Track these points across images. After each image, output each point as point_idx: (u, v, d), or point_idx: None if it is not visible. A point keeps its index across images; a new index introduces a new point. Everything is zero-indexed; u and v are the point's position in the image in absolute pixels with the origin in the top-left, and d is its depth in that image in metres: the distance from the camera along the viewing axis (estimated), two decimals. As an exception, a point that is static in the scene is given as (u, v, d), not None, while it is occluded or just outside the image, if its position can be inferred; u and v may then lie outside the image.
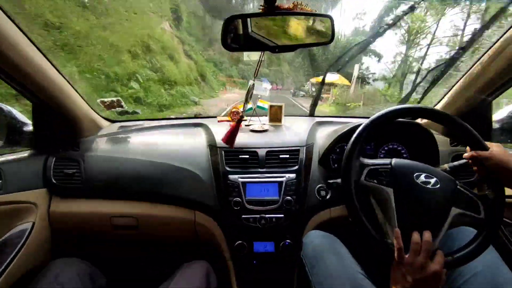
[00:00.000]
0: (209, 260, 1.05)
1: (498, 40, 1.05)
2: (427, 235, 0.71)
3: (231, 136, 1.12)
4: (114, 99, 1.40)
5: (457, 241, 0.87)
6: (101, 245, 1.34)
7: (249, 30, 0.88)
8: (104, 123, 1.47)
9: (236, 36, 0.87)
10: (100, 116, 1.45)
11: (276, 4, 0.84)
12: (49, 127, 1.20)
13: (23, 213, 1.09)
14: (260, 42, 0.90)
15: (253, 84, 1.20)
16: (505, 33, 1.02)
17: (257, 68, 1.08)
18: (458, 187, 0.80)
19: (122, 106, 1.43)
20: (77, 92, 1.24)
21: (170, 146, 1.27)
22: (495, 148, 0.77)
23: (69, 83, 1.18)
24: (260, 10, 0.85)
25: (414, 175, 0.81)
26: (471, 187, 1.21)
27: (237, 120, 1.13)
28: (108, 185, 1.18)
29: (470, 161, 0.82)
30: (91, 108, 1.36)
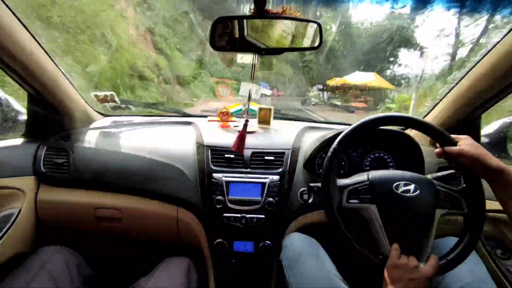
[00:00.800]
0: (189, 256, 1.05)
1: (488, 52, 1.06)
2: None
3: (240, 143, 1.10)
4: (108, 93, 1.42)
5: (445, 250, 0.88)
6: (85, 236, 1.35)
7: (237, 31, 0.89)
8: (97, 116, 1.49)
9: (224, 37, 0.89)
10: (94, 109, 1.47)
11: (266, 8, 0.86)
12: (42, 117, 1.22)
13: (10, 198, 1.11)
14: (247, 44, 0.91)
15: (251, 87, 1.21)
16: (494, 46, 1.03)
17: (253, 70, 1.08)
18: (436, 187, 0.80)
19: (115, 101, 1.45)
20: (72, 85, 1.26)
21: (159, 142, 1.29)
22: (465, 142, 0.77)
23: (65, 76, 1.21)
24: (250, 13, 0.87)
25: (394, 185, 0.81)
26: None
27: (243, 125, 1.10)
28: (95, 177, 1.19)
29: (443, 157, 0.82)
30: (85, 101, 1.38)
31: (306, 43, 0.96)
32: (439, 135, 0.81)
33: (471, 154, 0.73)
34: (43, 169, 1.18)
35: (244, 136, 1.08)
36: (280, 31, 0.94)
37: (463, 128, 1.22)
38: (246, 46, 0.92)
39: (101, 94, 1.42)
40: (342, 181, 0.84)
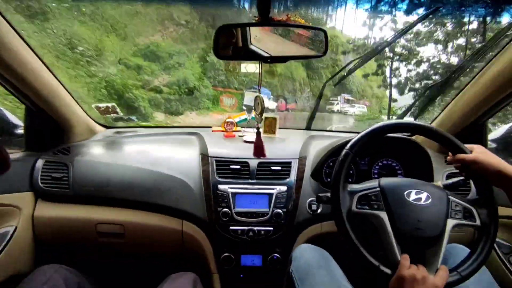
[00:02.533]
0: (195, 271, 1.02)
1: (493, 58, 1.05)
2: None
3: (257, 148, 1.10)
4: (109, 105, 1.40)
5: (451, 258, 0.85)
6: (85, 253, 1.31)
7: (241, 40, 0.88)
8: (99, 128, 1.47)
9: (228, 46, 0.88)
10: (95, 121, 1.45)
11: (270, 15, 0.85)
12: (41, 129, 1.20)
13: (5, 216, 1.07)
14: (252, 52, 0.90)
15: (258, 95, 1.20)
16: (499, 52, 1.03)
17: (260, 79, 1.07)
18: (449, 197, 0.78)
19: (117, 113, 1.44)
20: (72, 96, 1.24)
21: (162, 154, 1.26)
22: (477, 150, 0.76)
23: (64, 87, 1.19)
24: (254, 21, 0.86)
25: (405, 193, 0.78)
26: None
27: (256, 132, 1.12)
28: (96, 191, 1.16)
29: (455, 165, 0.81)
30: (86, 113, 1.36)
31: (312, 51, 0.95)
32: (452, 143, 0.79)
33: (486, 162, 0.72)
34: (40, 184, 1.14)
35: (260, 141, 1.09)
36: (285, 39, 0.93)
37: (469, 134, 1.21)
38: (251, 54, 0.91)
39: (103, 105, 1.40)
40: (352, 186, 0.82)
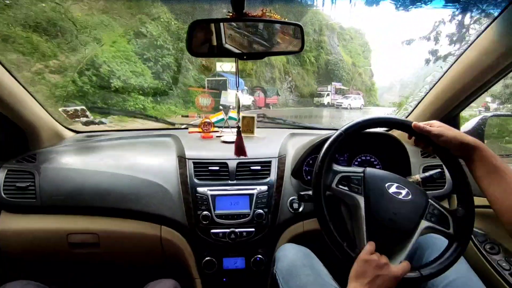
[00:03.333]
0: (176, 278, 0.97)
1: (463, 53, 1.08)
2: None
3: (238, 148, 1.07)
4: (78, 108, 1.32)
5: (427, 249, 0.87)
6: (56, 266, 1.23)
7: (216, 36, 0.85)
8: (67, 133, 1.38)
9: (203, 42, 0.84)
10: (63, 126, 1.36)
11: (244, 11, 0.83)
12: (2, 136, 1.11)
13: None
14: (228, 49, 0.87)
15: (236, 94, 1.17)
16: (469, 46, 1.06)
17: (237, 76, 1.05)
18: (429, 200, 0.79)
19: (87, 116, 1.36)
20: (36, 99, 1.16)
21: (137, 158, 1.21)
22: (437, 124, 0.76)
23: (27, 90, 1.11)
24: (228, 16, 0.83)
25: (386, 185, 0.79)
26: (440, 199, 1.23)
27: (237, 131, 1.09)
28: (67, 200, 1.09)
29: (414, 138, 0.81)
30: (52, 117, 1.27)
31: (288, 46, 0.93)
32: (404, 124, 0.81)
33: (447, 133, 0.73)
34: (3, 195, 1.06)
35: (241, 140, 1.07)
36: (261, 35, 0.91)
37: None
38: (226, 51, 0.88)
39: (71, 109, 1.32)
40: (338, 167, 0.83)
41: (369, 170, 0.83)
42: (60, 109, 1.33)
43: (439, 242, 0.88)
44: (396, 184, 0.80)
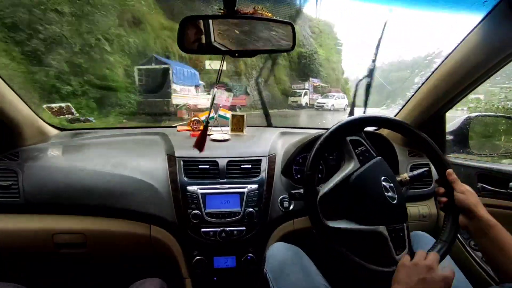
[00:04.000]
0: (166, 277, 0.96)
1: (449, 55, 1.10)
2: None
3: (200, 140, 1.04)
4: (63, 105, 1.29)
5: (415, 244, 0.88)
6: (40, 268, 1.19)
7: (208, 32, 0.84)
8: (52, 131, 1.34)
9: (194, 38, 0.83)
10: (47, 123, 1.32)
11: (236, 8, 0.82)
12: None
13: None
14: (219, 46, 0.86)
15: (215, 92, 1.16)
16: (455, 48, 1.08)
17: (219, 74, 1.03)
18: (405, 223, 0.80)
19: (72, 113, 1.32)
20: (18, 96, 1.12)
21: (125, 156, 1.18)
22: (468, 188, 0.76)
23: (8, 85, 1.06)
24: (219, 13, 0.82)
25: (383, 178, 0.82)
26: (427, 197, 1.26)
27: (204, 126, 1.06)
28: (52, 199, 1.06)
29: (438, 189, 0.81)
30: (36, 114, 1.23)
31: (279, 45, 0.93)
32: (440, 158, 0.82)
33: (472, 198, 0.73)
34: None
35: (205, 133, 1.04)
36: (252, 32, 0.90)
37: (431, 126, 1.27)
38: (217, 48, 0.87)
39: (56, 106, 1.28)
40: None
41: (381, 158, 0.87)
42: (44, 106, 1.28)
43: (426, 240, 0.92)
44: (391, 185, 0.82)
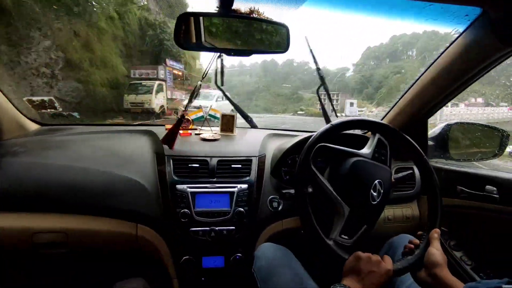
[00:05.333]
0: (153, 278, 0.94)
1: (434, 62, 1.15)
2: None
3: (170, 136, 1.07)
4: (46, 98, 1.24)
5: (398, 249, 0.91)
6: (17, 270, 1.13)
7: (204, 30, 0.84)
8: (31, 125, 1.28)
9: (190, 35, 0.83)
10: (27, 117, 1.26)
11: (233, 7, 0.83)
12: None
13: None
14: (215, 44, 0.86)
15: (200, 85, 1.17)
16: (439, 56, 1.13)
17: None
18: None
19: (55, 108, 1.27)
20: None
21: (111, 153, 1.15)
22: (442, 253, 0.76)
23: None
24: (216, 12, 0.83)
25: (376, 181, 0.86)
26: (410, 200, 1.31)
27: (178, 120, 1.11)
28: (32, 196, 1.01)
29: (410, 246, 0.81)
30: (15, 106, 1.18)
31: (274, 46, 0.94)
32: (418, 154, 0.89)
33: (442, 259, 0.73)
34: None
35: (176, 129, 1.08)
36: (248, 33, 0.91)
37: (414, 131, 1.32)
38: (213, 46, 0.87)
39: (37, 99, 1.22)
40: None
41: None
42: (24, 99, 1.22)
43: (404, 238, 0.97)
44: (380, 190, 0.87)
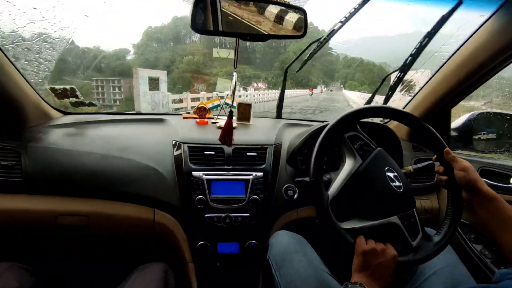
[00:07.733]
0: (169, 262, 0.96)
1: (457, 50, 1.10)
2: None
3: (226, 134, 0.96)
4: (68, 87, 1.26)
5: None
6: (41, 249, 1.18)
7: (220, 13, 0.83)
8: (55, 113, 1.33)
9: (207, 19, 0.82)
10: (50, 106, 1.31)
11: (250, -9, 0.81)
12: None
13: None
14: (230, 28, 0.85)
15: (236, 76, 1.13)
16: (463, 44, 1.08)
17: (236, 57, 1.00)
18: (414, 208, 0.79)
19: (76, 96, 1.30)
20: (23, 76, 1.10)
21: (130, 141, 1.18)
22: (467, 165, 0.76)
23: (13, 65, 1.05)
24: (233, -5, 0.81)
25: (386, 168, 0.81)
26: (430, 191, 1.26)
27: (228, 116, 0.95)
28: (56, 180, 1.05)
29: (438, 165, 0.81)
30: (39, 95, 1.22)
31: (291, 30, 0.92)
32: (439, 143, 0.81)
33: (472, 175, 0.72)
34: None
35: (231, 126, 0.96)
36: (265, 17, 0.89)
37: (436, 121, 1.27)
38: (229, 31, 0.86)
39: (60, 87, 1.26)
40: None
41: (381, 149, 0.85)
42: (47, 87, 1.26)
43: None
44: (395, 174, 0.81)
